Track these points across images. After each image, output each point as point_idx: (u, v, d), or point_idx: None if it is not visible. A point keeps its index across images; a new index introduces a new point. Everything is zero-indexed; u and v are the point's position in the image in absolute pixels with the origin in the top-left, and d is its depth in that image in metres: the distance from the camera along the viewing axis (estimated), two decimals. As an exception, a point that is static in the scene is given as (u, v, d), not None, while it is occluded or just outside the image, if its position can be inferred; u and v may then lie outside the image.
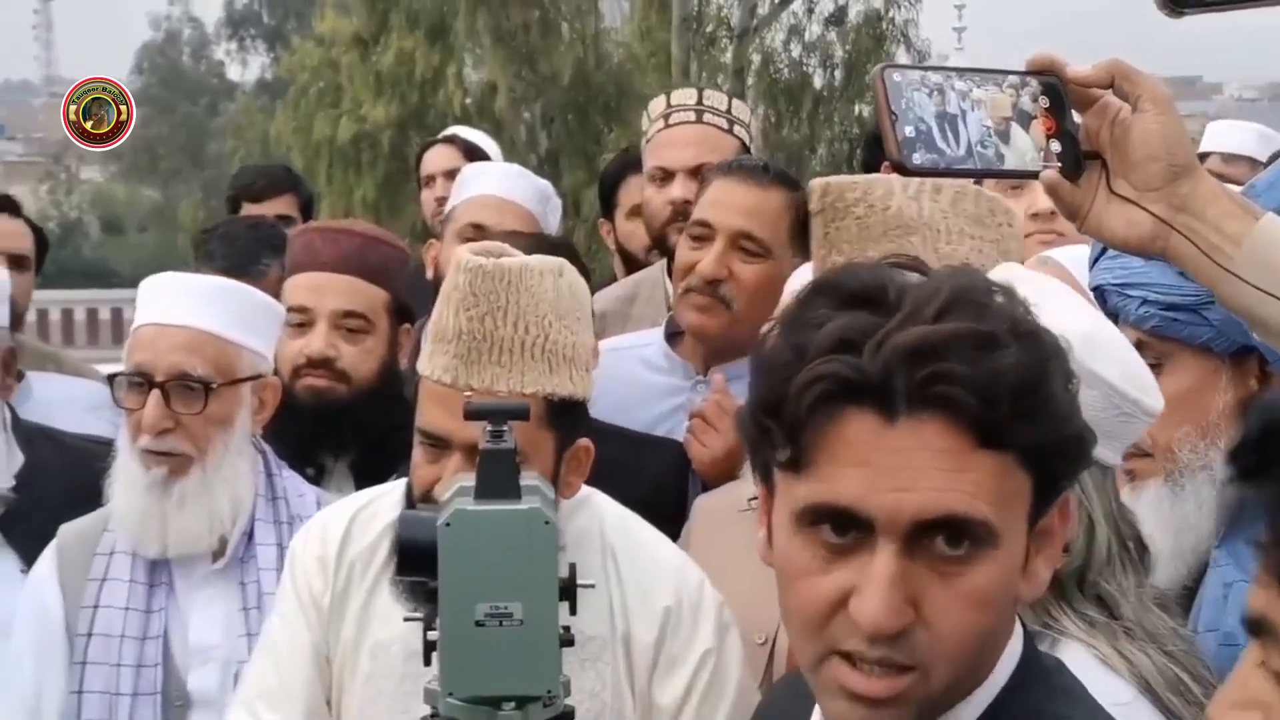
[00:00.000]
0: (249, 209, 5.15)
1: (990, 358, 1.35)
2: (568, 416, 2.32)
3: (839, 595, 1.39)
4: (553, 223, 4.00)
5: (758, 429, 1.43)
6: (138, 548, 2.86)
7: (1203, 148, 5.32)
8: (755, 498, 1.52)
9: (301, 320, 3.26)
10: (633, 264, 4.38)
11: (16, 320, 4.23)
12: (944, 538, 1.37)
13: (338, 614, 2.46)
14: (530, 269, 2.29)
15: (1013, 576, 1.42)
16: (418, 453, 2.36)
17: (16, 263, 4.18)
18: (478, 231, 3.77)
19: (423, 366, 2.34)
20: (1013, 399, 1.35)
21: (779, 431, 1.40)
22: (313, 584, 2.47)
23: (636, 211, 4.43)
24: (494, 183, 4.06)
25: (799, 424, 1.38)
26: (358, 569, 2.46)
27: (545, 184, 4.28)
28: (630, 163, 4.62)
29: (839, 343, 1.37)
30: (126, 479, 2.87)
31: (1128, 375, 1.99)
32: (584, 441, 2.37)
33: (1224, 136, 5.53)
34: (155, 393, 2.84)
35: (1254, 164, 5.06)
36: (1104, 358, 1.97)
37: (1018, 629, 1.51)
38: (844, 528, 1.39)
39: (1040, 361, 1.38)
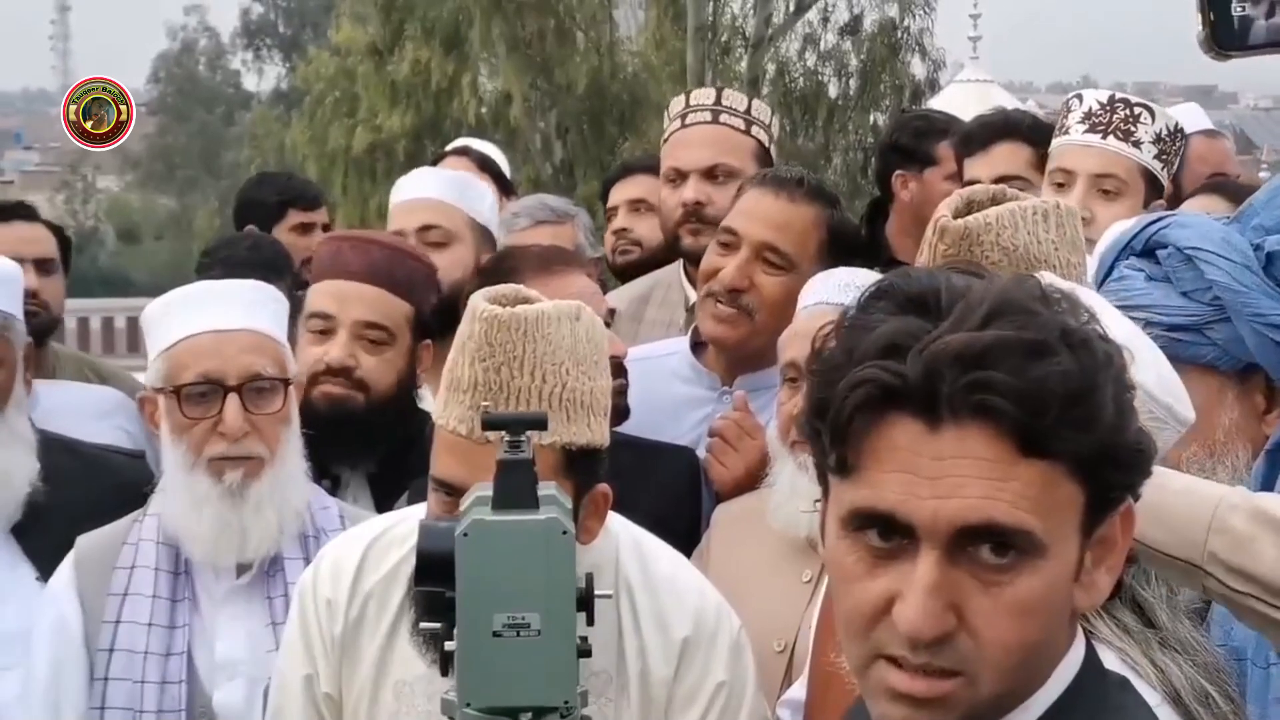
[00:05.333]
0: (297, 216, 5.15)
1: (1035, 366, 1.34)
2: (586, 463, 2.29)
3: (884, 600, 1.40)
4: (480, 209, 3.99)
5: (810, 430, 1.44)
6: (213, 561, 2.84)
7: None
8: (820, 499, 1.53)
9: (323, 327, 3.25)
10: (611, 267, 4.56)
11: (52, 325, 4.27)
12: (988, 546, 1.37)
13: (351, 648, 2.44)
14: (547, 316, 2.25)
15: (1061, 586, 1.40)
16: (433, 500, 2.33)
17: (43, 266, 4.20)
18: (398, 238, 3.79)
19: (437, 415, 2.31)
20: (1059, 408, 1.34)
21: (826, 434, 1.41)
22: (321, 624, 2.46)
23: (610, 215, 4.68)
24: (403, 190, 4.07)
25: (843, 428, 1.39)
26: (373, 603, 2.45)
27: (461, 174, 4.29)
28: (619, 173, 4.83)
29: (885, 348, 1.38)
30: (192, 495, 2.82)
31: (1163, 383, 2.01)
32: (602, 487, 2.34)
33: (1186, 119, 5.37)
34: (233, 397, 2.81)
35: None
36: (1141, 364, 1.97)
37: (1079, 639, 1.48)
38: (888, 533, 1.39)
39: (1089, 370, 1.36)
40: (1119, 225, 2.82)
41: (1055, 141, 3.73)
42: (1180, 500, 1.94)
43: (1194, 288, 2.38)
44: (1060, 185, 3.62)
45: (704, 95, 4.04)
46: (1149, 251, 2.46)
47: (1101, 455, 1.37)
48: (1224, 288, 2.36)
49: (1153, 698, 1.88)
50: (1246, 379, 2.41)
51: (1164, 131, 3.66)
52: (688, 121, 3.93)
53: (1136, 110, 3.65)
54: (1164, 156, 3.67)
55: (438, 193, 3.95)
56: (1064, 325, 1.38)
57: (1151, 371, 1.99)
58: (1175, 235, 2.43)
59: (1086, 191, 3.57)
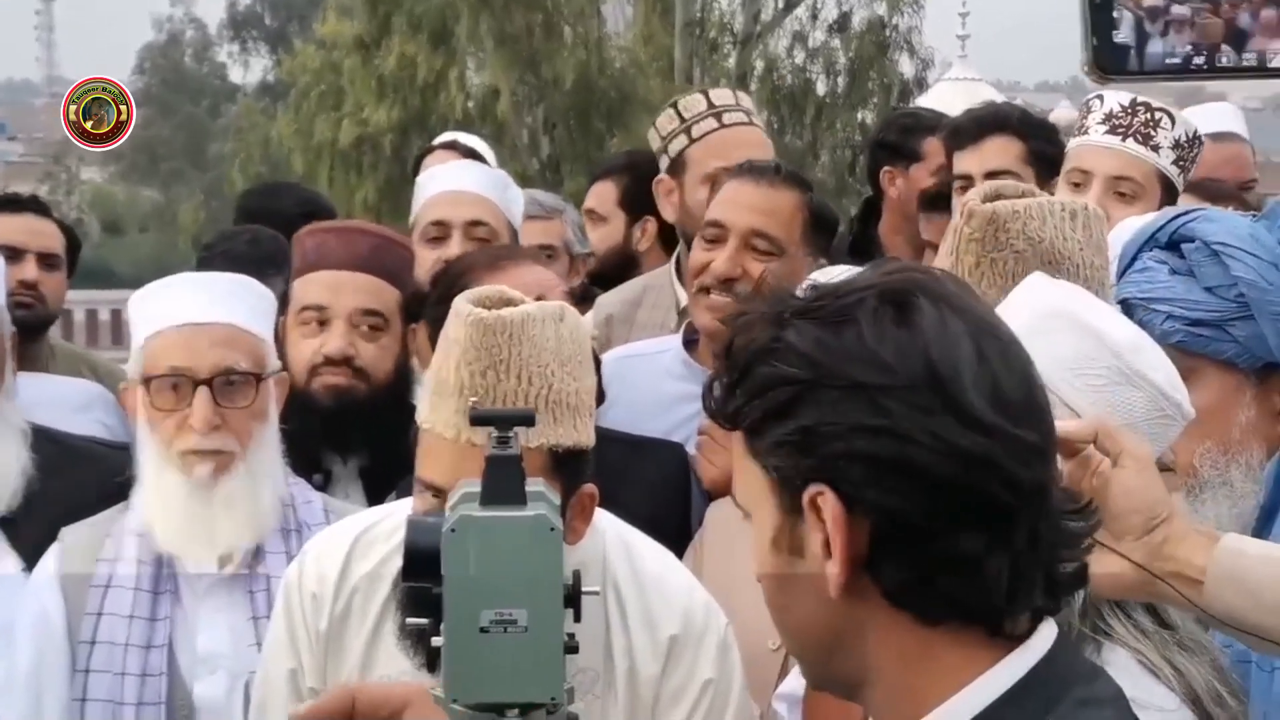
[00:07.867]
0: None
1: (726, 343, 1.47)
2: (573, 464, 2.29)
3: None
4: (515, 211, 3.90)
5: None
6: (181, 554, 2.84)
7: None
8: None
9: (318, 318, 3.24)
10: None
11: (49, 320, 4.28)
12: None
13: (336, 643, 2.44)
14: (531, 318, 2.24)
15: (764, 552, 1.47)
16: (419, 501, 2.32)
17: (47, 261, 4.24)
18: (440, 228, 3.73)
19: (423, 418, 2.31)
20: (718, 388, 1.47)
21: None
22: (306, 618, 2.46)
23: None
24: (445, 180, 3.96)
25: None
26: (359, 598, 2.44)
27: (500, 172, 4.21)
28: (591, 178, 4.87)
29: None
30: (164, 489, 2.83)
31: (1171, 380, 2.01)
32: (589, 487, 2.34)
33: (1202, 119, 5.20)
34: (203, 389, 2.82)
35: (1243, 140, 4.90)
36: (1150, 362, 1.99)
37: (1004, 666, 1.39)
38: None
39: (736, 362, 1.44)
40: (1128, 221, 2.81)
41: (1073, 141, 3.73)
42: (1266, 569, 1.85)
43: (1218, 283, 2.37)
44: (1077, 185, 3.62)
45: (724, 95, 3.99)
46: (1173, 244, 2.45)
47: (749, 432, 1.44)
48: (1249, 284, 2.35)
49: (1171, 701, 1.87)
50: (1266, 378, 2.39)
51: (1183, 138, 3.66)
52: (725, 121, 3.86)
53: (1157, 115, 3.64)
54: (1181, 163, 3.67)
55: (484, 189, 3.86)
56: (751, 320, 1.46)
57: (1161, 371, 2.00)
58: (1202, 229, 2.42)
59: (1103, 192, 3.57)
